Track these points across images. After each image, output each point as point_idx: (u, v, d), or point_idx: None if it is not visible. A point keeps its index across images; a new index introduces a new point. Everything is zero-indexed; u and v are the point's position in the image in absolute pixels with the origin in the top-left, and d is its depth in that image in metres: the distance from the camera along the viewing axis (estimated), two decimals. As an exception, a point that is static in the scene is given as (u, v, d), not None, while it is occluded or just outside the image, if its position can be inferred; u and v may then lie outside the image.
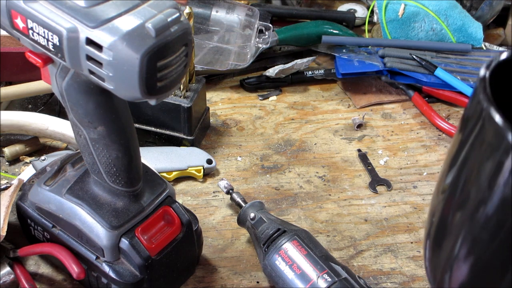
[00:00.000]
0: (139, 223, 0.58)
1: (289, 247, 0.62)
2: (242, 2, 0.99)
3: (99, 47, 0.44)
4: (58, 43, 0.45)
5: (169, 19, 0.44)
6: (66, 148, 0.82)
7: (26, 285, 0.62)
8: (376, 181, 0.79)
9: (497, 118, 0.34)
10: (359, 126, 0.89)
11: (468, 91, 0.89)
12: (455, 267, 0.41)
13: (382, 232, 0.72)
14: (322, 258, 0.61)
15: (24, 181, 0.67)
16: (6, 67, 0.82)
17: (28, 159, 0.79)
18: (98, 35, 0.43)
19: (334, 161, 0.83)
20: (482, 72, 0.38)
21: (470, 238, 0.39)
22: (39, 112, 0.82)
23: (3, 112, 0.78)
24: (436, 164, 0.82)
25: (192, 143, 0.82)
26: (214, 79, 0.97)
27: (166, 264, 0.60)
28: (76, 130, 0.54)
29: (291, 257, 0.61)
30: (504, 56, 0.41)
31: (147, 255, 0.57)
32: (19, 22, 0.47)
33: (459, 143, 0.39)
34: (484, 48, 1.00)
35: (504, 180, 0.34)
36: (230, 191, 0.73)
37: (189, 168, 0.78)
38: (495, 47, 1.02)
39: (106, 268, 0.58)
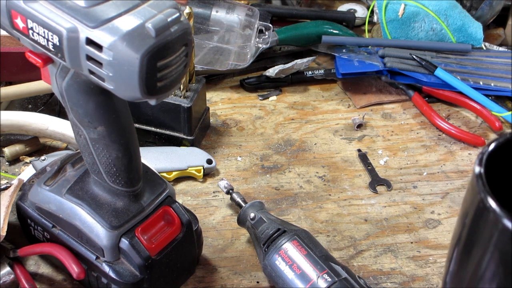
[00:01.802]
0: (139, 223, 0.58)
1: (289, 247, 0.62)
2: (242, 2, 0.99)
3: (99, 47, 0.44)
4: (58, 43, 0.45)
5: (169, 19, 0.44)
6: (66, 148, 0.82)
7: (26, 285, 0.62)
8: (376, 181, 0.79)
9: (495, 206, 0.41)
10: (359, 126, 0.89)
11: (468, 91, 0.89)
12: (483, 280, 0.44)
13: (382, 232, 0.72)
14: (322, 258, 0.61)
15: (24, 181, 0.67)
16: (6, 67, 0.82)
17: (28, 159, 0.79)
18: (98, 35, 0.43)
19: (334, 161, 0.83)
20: (477, 169, 0.44)
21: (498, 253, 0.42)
22: (39, 112, 0.82)
23: (3, 112, 0.78)
24: (436, 164, 0.82)
25: (192, 143, 0.82)
26: (214, 79, 0.97)
27: (166, 264, 0.60)
28: (76, 130, 0.54)
29: (291, 257, 0.61)
30: (492, 146, 0.47)
31: (147, 255, 0.57)
32: (19, 22, 0.47)
33: None
34: (484, 48, 1.00)
35: None
36: (230, 191, 0.73)
37: (189, 168, 0.78)
38: (495, 47, 1.02)
39: (106, 268, 0.58)
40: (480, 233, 0.43)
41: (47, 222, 0.62)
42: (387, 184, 0.79)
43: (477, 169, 0.44)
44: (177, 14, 0.45)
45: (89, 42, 0.44)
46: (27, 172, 0.75)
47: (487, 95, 0.90)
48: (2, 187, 0.69)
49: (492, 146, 0.46)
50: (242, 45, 0.93)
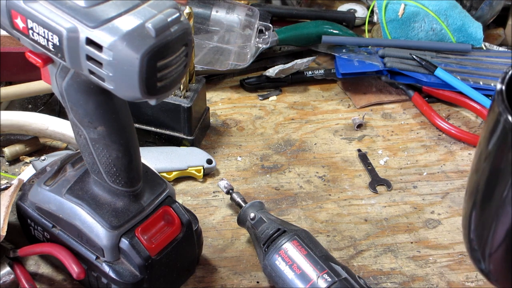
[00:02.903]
0: (139, 223, 0.58)
1: (289, 247, 0.62)
2: (242, 2, 0.99)
3: (99, 47, 0.44)
4: (58, 43, 0.45)
5: (169, 19, 0.44)
6: (66, 148, 0.82)
7: (26, 285, 0.62)
8: (376, 181, 0.79)
9: None
10: (359, 126, 0.89)
11: (468, 91, 0.89)
12: (504, 213, 0.45)
13: (382, 232, 0.72)
14: (322, 258, 0.61)
15: (24, 181, 0.67)
16: (6, 67, 0.82)
17: (28, 159, 0.79)
18: (98, 35, 0.43)
19: (334, 161, 0.83)
20: (498, 86, 0.45)
21: None
22: (39, 112, 0.82)
23: (3, 112, 0.78)
24: (436, 164, 0.82)
25: (192, 143, 0.82)
26: (214, 79, 0.97)
27: (166, 264, 0.60)
28: (76, 130, 0.54)
29: (291, 257, 0.61)
30: None
31: (147, 255, 0.57)
32: (19, 22, 0.47)
33: None
34: (484, 48, 1.00)
35: None
36: (230, 191, 0.73)
37: (189, 168, 0.78)
38: (495, 47, 1.02)
39: (106, 268, 0.58)
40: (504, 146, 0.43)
41: (47, 222, 0.62)
42: (387, 184, 0.79)
43: (499, 86, 0.45)
44: (177, 14, 0.45)
45: (89, 42, 0.44)
46: (27, 172, 0.75)
47: (487, 95, 0.90)
48: (2, 187, 0.69)
49: None
50: (242, 45, 0.93)
